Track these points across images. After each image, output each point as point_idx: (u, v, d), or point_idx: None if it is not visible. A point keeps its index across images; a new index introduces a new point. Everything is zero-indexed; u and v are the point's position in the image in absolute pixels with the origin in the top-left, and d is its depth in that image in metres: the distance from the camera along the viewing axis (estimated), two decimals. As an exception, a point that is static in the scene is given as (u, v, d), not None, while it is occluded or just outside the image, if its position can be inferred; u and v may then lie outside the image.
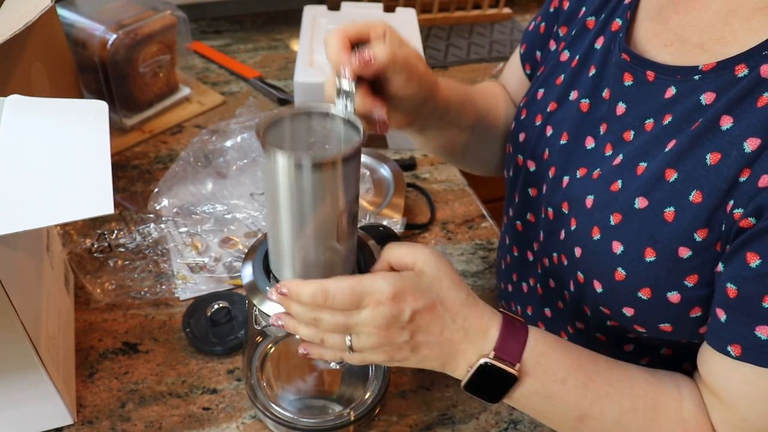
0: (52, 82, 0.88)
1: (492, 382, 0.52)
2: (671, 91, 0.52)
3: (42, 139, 0.52)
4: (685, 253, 0.49)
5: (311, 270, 0.52)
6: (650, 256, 0.50)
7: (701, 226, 0.48)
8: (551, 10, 0.71)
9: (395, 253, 0.53)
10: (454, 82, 0.68)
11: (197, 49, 1.27)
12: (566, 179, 0.59)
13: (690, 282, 0.49)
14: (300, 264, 0.52)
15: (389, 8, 1.25)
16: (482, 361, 0.51)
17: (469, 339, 0.51)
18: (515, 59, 0.78)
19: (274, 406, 0.64)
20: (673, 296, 0.51)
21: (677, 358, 0.60)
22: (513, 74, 0.78)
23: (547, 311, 0.67)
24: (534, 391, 0.52)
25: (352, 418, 0.64)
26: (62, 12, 0.98)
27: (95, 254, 0.83)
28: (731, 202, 0.46)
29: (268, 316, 0.55)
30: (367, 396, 0.67)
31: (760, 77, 0.46)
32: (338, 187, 0.48)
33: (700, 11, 0.52)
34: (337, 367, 0.69)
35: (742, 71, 0.47)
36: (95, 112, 0.56)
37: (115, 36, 0.95)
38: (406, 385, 0.71)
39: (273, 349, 0.70)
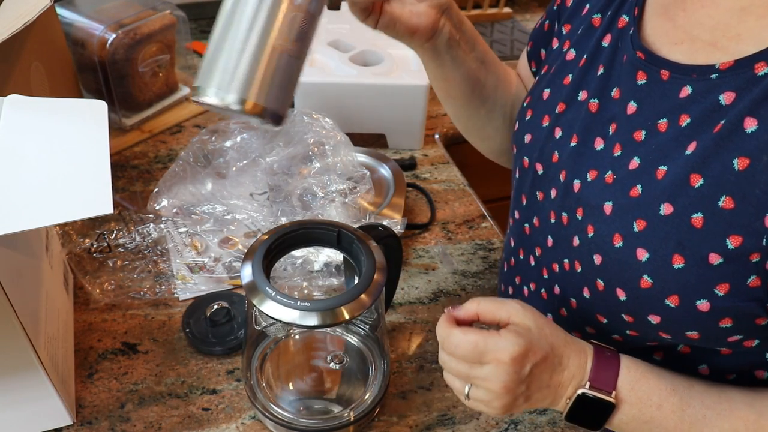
0: (52, 82, 0.88)
1: (591, 412, 0.54)
2: (686, 91, 0.51)
3: (41, 139, 0.52)
4: (715, 259, 0.48)
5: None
6: (678, 262, 0.49)
7: (734, 232, 0.47)
8: (554, 7, 0.70)
9: (487, 307, 0.55)
10: None
11: (197, 48, 1.27)
12: (577, 183, 0.58)
13: (720, 291, 0.48)
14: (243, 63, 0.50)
15: (389, 8, 1.24)
16: (579, 391, 0.53)
17: (571, 376, 0.53)
18: (524, 56, 0.79)
19: (273, 406, 0.64)
20: (702, 305, 0.50)
21: (695, 356, 0.58)
22: (523, 69, 0.79)
23: (549, 317, 0.66)
24: (632, 417, 0.53)
25: (352, 419, 0.64)
26: (61, 11, 0.97)
27: (94, 254, 0.82)
28: None
29: (268, 316, 0.55)
30: (367, 396, 0.66)
31: None
32: None
33: (709, 9, 0.51)
34: (337, 367, 0.69)
35: (762, 69, 0.46)
36: (94, 112, 0.56)
37: (114, 35, 0.95)
38: (406, 386, 0.71)
39: (272, 350, 0.70)
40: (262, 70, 0.50)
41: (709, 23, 0.51)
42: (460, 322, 0.54)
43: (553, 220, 0.62)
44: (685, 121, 0.50)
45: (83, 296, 0.78)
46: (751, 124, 0.46)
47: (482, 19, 1.49)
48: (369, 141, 1.06)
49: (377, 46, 1.09)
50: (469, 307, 0.55)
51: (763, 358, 0.55)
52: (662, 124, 0.52)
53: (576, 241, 0.58)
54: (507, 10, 1.51)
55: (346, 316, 0.55)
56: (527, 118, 0.67)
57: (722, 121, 0.48)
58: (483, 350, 0.51)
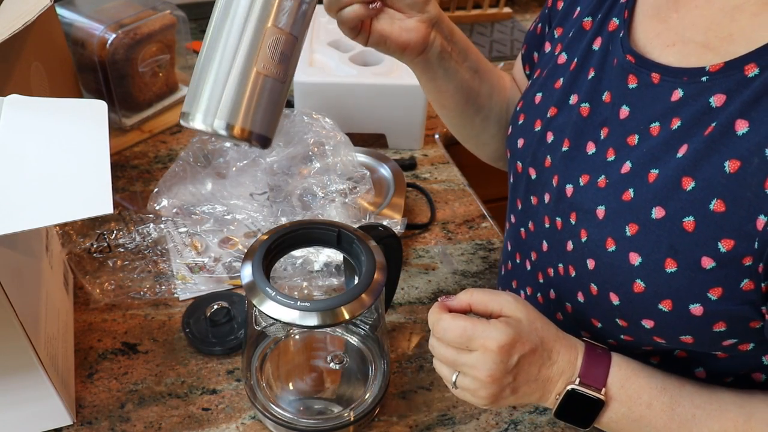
0: (52, 82, 0.88)
1: (580, 408, 0.54)
2: (678, 94, 0.50)
3: (41, 139, 0.52)
4: (708, 263, 0.47)
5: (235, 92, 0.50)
6: (671, 266, 0.49)
7: (726, 236, 0.46)
8: (546, 10, 0.70)
9: (480, 298, 0.55)
10: None
11: (197, 48, 1.27)
12: (570, 187, 0.58)
13: (713, 295, 0.48)
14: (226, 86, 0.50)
15: (389, 8, 1.24)
16: (569, 387, 0.53)
17: (560, 371, 0.54)
18: (519, 59, 0.78)
19: (273, 406, 0.64)
20: (696, 309, 0.49)
21: (692, 360, 0.58)
22: (518, 73, 0.79)
23: None
24: (622, 415, 0.53)
25: (352, 419, 0.64)
26: (61, 11, 0.98)
27: (94, 254, 0.83)
28: (763, 218, 0.44)
29: (268, 316, 0.55)
30: (367, 396, 0.66)
31: None
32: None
33: (702, 9, 0.51)
34: (337, 367, 0.69)
35: (752, 71, 0.46)
36: (94, 112, 0.56)
37: (114, 35, 0.95)
38: (406, 386, 0.71)
39: (272, 350, 0.70)
40: (247, 94, 0.50)
41: (702, 24, 0.51)
42: (453, 312, 0.54)
43: (547, 225, 0.62)
44: (676, 124, 0.50)
45: (83, 296, 0.78)
46: (741, 126, 0.46)
47: (482, 19, 1.49)
48: (369, 141, 1.06)
49: (377, 46, 1.09)
50: (463, 298, 0.55)
51: (760, 361, 0.55)
52: (654, 128, 0.52)
53: (570, 246, 0.58)
54: (507, 10, 1.51)
55: (346, 316, 0.55)
56: (520, 122, 0.66)
57: (713, 124, 0.48)
58: (471, 336, 0.51)
